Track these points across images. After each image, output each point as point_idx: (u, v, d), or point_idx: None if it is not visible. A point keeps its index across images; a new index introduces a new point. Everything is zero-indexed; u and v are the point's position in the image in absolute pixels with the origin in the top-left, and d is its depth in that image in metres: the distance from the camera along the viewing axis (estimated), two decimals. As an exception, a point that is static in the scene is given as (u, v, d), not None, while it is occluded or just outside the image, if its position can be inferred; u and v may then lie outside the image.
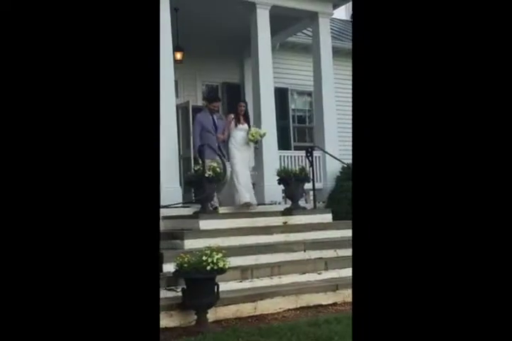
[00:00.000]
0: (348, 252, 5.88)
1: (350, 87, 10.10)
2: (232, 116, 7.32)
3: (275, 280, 5.09)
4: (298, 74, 10.14)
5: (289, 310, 4.68)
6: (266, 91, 7.79)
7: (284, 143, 9.28)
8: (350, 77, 10.04)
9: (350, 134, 10.64)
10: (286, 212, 6.59)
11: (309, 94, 10.24)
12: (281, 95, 9.88)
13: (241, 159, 7.13)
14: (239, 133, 7.20)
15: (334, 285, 5.02)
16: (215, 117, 7.18)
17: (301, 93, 10.68)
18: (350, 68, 11.08)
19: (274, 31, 8.15)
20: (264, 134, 7.31)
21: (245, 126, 7.25)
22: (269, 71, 7.85)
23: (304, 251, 5.68)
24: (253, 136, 7.14)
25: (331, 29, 9.07)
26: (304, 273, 5.29)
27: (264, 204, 7.33)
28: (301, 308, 4.74)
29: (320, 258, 5.67)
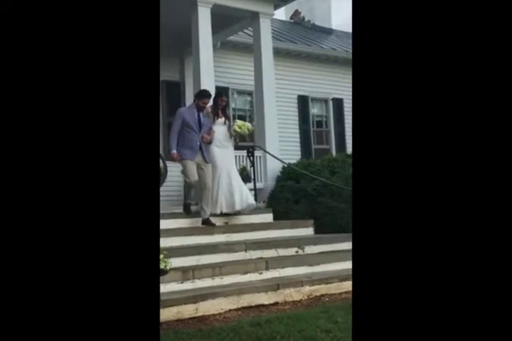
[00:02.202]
0: (288, 252, 5.97)
1: (290, 86, 10.23)
2: (209, 108, 6.49)
3: (217, 281, 5.07)
4: (238, 73, 10.15)
5: (230, 310, 4.66)
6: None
7: (224, 143, 9.26)
8: (290, 78, 10.16)
9: (291, 134, 10.80)
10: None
11: (250, 93, 10.27)
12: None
13: (223, 159, 6.37)
14: (218, 129, 6.41)
15: (275, 285, 5.04)
16: (201, 115, 6.29)
17: (241, 92, 10.69)
18: (290, 68, 11.29)
19: (215, 30, 8.11)
20: (253, 129, 6.56)
21: (223, 119, 6.53)
22: (210, 70, 7.81)
23: (245, 251, 5.69)
24: (240, 129, 6.33)
25: (271, 29, 9.13)
26: (246, 273, 5.29)
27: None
28: (243, 308, 4.73)
29: (261, 258, 5.69)
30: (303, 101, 11.35)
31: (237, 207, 6.34)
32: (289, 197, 7.29)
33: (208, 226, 6.07)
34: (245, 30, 10.04)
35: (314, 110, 11.68)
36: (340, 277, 5.44)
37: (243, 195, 6.37)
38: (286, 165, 7.75)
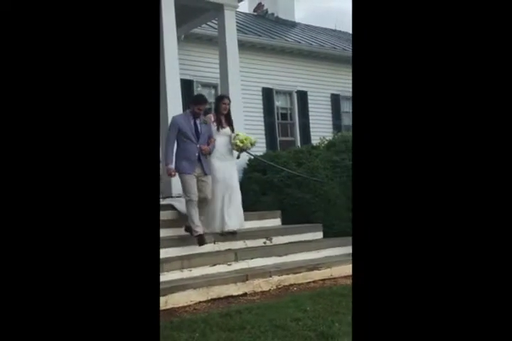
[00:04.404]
0: (256, 243, 6.01)
1: (254, 79, 10.15)
2: (212, 117, 5.94)
3: (186, 273, 5.07)
4: (203, 66, 10.08)
5: (200, 302, 4.68)
6: (172, 83, 7.65)
7: (190, 136, 9.20)
8: (254, 70, 10.06)
9: (256, 127, 10.81)
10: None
11: (215, 86, 10.23)
12: (186, 87, 9.77)
13: (226, 174, 5.84)
14: (221, 139, 5.87)
15: (244, 276, 5.08)
16: (197, 122, 5.64)
17: (206, 85, 10.63)
18: (255, 61, 11.23)
19: (179, 22, 8.03)
20: (255, 142, 6.06)
21: (228, 129, 5.99)
22: (175, 62, 7.73)
23: (214, 242, 5.71)
24: (242, 143, 5.84)
25: (235, 22, 9.09)
26: (215, 264, 5.32)
27: (172, 196, 7.24)
28: (213, 300, 4.75)
29: (229, 249, 5.72)
30: (267, 94, 11.37)
31: (227, 228, 5.83)
32: (256, 189, 7.33)
33: (175, 219, 6.04)
34: (209, 23, 9.98)
35: (279, 102, 11.71)
36: (307, 267, 5.52)
37: (238, 217, 5.93)
38: (252, 157, 7.78)
